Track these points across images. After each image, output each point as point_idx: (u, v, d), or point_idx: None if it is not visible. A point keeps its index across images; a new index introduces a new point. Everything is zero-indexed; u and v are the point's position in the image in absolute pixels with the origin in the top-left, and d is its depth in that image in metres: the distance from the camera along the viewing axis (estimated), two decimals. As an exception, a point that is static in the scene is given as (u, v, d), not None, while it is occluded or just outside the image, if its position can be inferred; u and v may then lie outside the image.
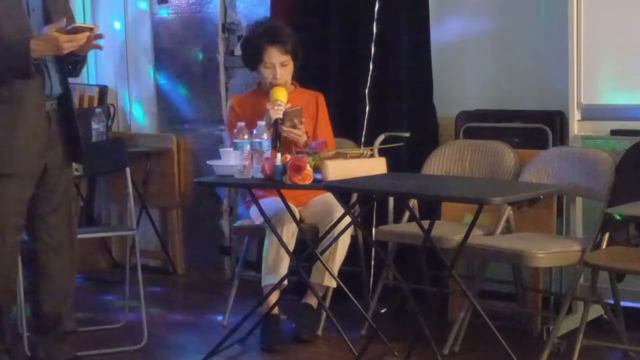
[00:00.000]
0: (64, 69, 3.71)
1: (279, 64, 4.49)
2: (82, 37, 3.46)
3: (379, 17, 4.89)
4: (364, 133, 4.87)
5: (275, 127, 4.20)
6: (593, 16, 4.34)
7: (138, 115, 6.11)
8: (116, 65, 6.15)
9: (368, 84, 4.90)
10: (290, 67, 4.54)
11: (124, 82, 6.14)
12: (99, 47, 3.60)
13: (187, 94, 5.87)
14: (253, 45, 4.53)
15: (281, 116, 4.24)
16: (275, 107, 4.28)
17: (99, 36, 3.54)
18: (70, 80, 3.81)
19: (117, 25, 6.10)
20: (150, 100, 6.04)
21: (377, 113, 4.90)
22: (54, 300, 3.85)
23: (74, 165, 3.94)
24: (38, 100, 3.61)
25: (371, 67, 4.90)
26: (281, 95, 4.35)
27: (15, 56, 3.46)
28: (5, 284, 3.74)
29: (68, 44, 3.44)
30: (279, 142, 4.20)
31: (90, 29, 3.49)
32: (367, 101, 4.89)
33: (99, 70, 6.19)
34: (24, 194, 3.68)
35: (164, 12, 5.92)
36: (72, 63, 3.73)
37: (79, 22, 3.80)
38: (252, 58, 4.54)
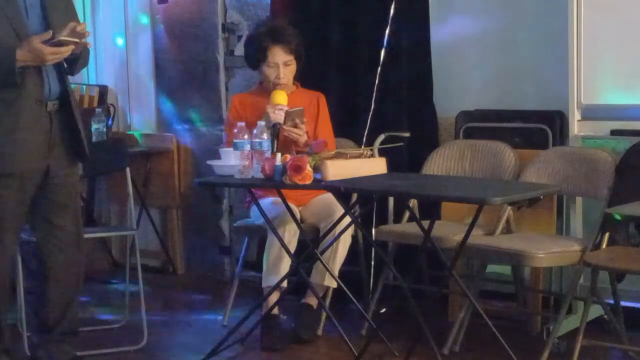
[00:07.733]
0: (61, 67, 3.70)
1: (283, 64, 4.48)
2: (66, 50, 3.51)
3: (379, 18, 4.89)
4: (366, 133, 4.87)
5: (273, 131, 4.19)
6: (593, 16, 4.34)
7: (138, 115, 6.10)
8: (116, 65, 6.15)
9: (369, 84, 4.90)
10: (293, 67, 4.53)
11: (124, 82, 6.13)
12: (86, 45, 3.60)
13: (187, 94, 5.86)
14: (257, 44, 4.51)
15: (280, 120, 4.23)
16: (276, 111, 4.27)
17: (83, 35, 3.53)
18: (71, 80, 3.80)
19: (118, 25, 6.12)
20: (150, 100, 6.03)
21: (377, 113, 4.90)
22: (59, 301, 3.85)
23: (74, 165, 3.94)
24: (37, 97, 3.61)
25: (371, 67, 4.90)
26: (281, 99, 4.34)
27: (0, 65, 3.48)
28: (3, 284, 3.73)
29: (52, 56, 3.50)
30: (277, 146, 4.18)
31: (76, 43, 3.53)
32: (371, 101, 4.89)
33: (99, 70, 6.19)
34: (25, 195, 3.67)
35: (163, 12, 5.91)
36: (68, 61, 3.72)
37: (79, 15, 3.82)
38: (256, 57, 4.53)
